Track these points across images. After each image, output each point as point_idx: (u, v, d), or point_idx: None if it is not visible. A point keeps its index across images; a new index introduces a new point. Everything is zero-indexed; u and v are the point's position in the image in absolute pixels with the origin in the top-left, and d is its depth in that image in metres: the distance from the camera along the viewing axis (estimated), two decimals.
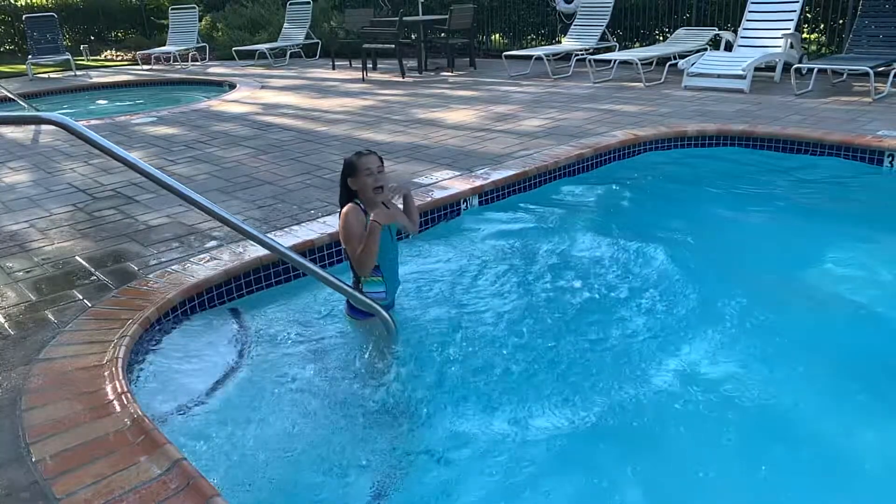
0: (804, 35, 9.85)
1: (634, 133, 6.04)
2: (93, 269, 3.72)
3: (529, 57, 10.52)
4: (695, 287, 3.63)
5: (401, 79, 10.86)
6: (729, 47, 8.97)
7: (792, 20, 8.35)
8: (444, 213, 4.58)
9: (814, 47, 9.93)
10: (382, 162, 3.06)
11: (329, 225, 4.08)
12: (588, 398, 2.79)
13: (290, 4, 14.39)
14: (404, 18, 11.11)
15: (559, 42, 12.03)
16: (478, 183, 4.84)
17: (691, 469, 2.43)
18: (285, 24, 14.43)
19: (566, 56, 10.77)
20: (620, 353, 3.09)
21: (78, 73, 13.60)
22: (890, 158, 5.19)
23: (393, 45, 11.21)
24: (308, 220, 4.27)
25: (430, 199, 4.53)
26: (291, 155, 6.08)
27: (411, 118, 7.56)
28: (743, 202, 4.94)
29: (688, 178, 5.57)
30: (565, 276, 3.81)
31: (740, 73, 7.82)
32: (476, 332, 3.27)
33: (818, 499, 2.30)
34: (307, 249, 3.86)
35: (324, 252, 3.95)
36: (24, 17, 14.32)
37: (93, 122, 8.41)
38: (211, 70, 13.33)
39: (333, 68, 12.41)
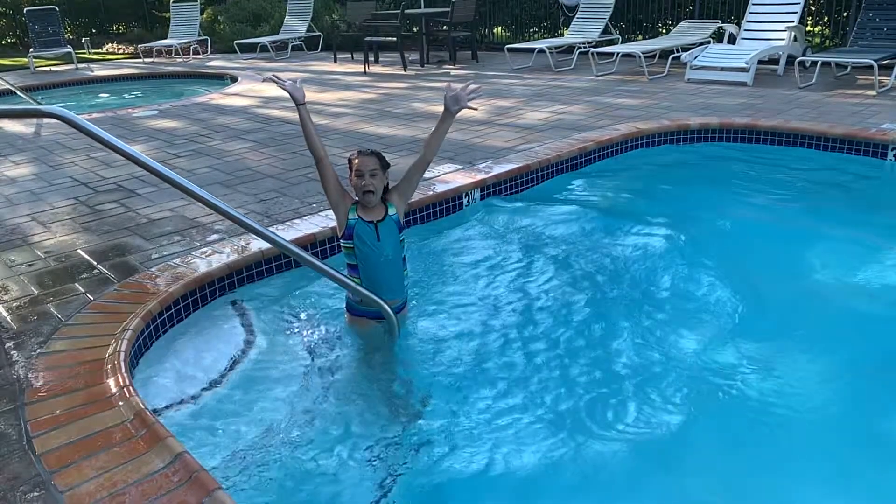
0: (808, 28, 9.80)
1: (637, 126, 6.02)
2: (95, 263, 3.72)
3: (532, 50, 10.48)
4: (696, 280, 3.63)
5: (403, 72, 10.83)
6: (732, 40, 8.93)
7: (796, 13, 8.31)
8: (445, 207, 4.57)
9: (818, 40, 9.89)
10: (383, 164, 2.91)
11: (331, 219, 4.08)
12: (591, 392, 2.79)
13: None
14: (406, 11, 11.07)
15: (562, 35, 12.00)
16: (480, 177, 4.82)
17: (701, 468, 2.43)
18: (287, 17, 14.39)
19: (569, 49, 10.73)
20: (621, 348, 3.08)
21: (79, 66, 13.58)
22: (894, 152, 5.17)
23: (395, 38, 11.17)
24: (310, 214, 4.27)
25: (431, 192, 4.52)
26: (293, 148, 6.07)
27: (413, 111, 7.55)
28: (746, 196, 4.93)
29: (691, 171, 5.55)
30: (568, 269, 3.80)
31: (744, 66, 7.79)
32: (478, 326, 3.27)
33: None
34: (309, 243, 3.86)
35: (325, 246, 3.95)
36: (25, 10, 14.29)
37: (94, 115, 8.41)
38: (212, 63, 13.30)
39: (335, 61, 12.38)
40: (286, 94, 3.02)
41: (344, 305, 3.25)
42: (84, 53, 15.53)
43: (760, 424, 2.58)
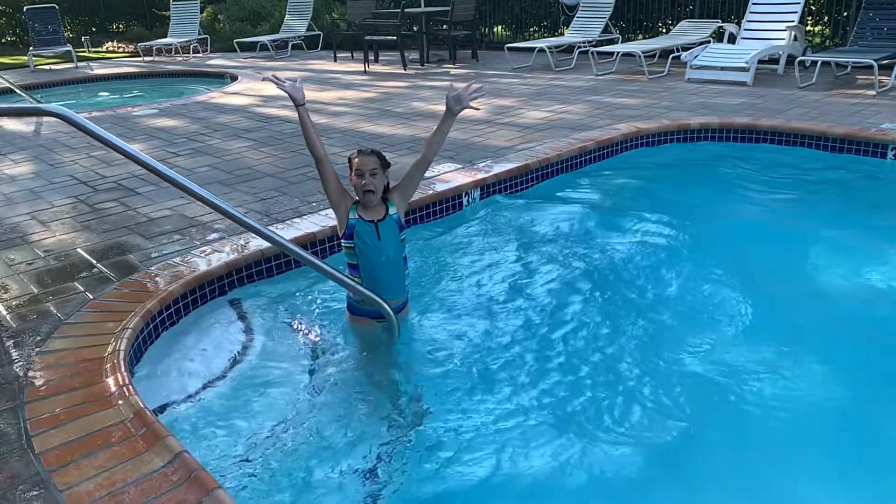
0: (808, 27, 9.80)
1: (637, 126, 6.02)
2: (94, 262, 3.72)
3: (532, 49, 10.48)
4: (697, 281, 3.63)
5: (402, 71, 10.83)
6: (732, 40, 8.93)
7: (796, 12, 8.30)
8: (445, 207, 4.57)
9: (818, 40, 9.89)
10: (383, 163, 2.90)
11: (331, 217, 4.07)
12: (596, 394, 2.79)
13: None
14: (406, 10, 11.07)
15: (562, 34, 12.00)
16: (480, 176, 4.82)
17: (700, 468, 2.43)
18: (287, 16, 14.38)
19: (569, 48, 10.73)
20: (623, 348, 3.08)
21: (79, 64, 13.57)
22: (893, 152, 5.17)
23: (395, 37, 11.16)
24: (310, 213, 4.27)
25: (431, 191, 4.52)
26: (293, 147, 6.07)
27: (413, 110, 7.54)
28: (746, 196, 4.93)
29: (691, 171, 5.55)
30: (569, 269, 3.80)
31: (744, 65, 7.79)
32: (480, 326, 3.26)
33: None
34: (309, 242, 3.86)
35: (325, 245, 3.95)
36: (25, 8, 14.27)
37: (94, 113, 8.40)
38: (212, 62, 13.29)
39: (335, 60, 12.37)
40: (286, 94, 3.01)
41: (344, 305, 3.25)
42: (84, 52, 15.53)
43: (767, 426, 2.56)
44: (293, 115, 3.01)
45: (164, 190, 4.87)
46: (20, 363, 2.72)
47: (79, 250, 3.90)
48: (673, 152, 5.87)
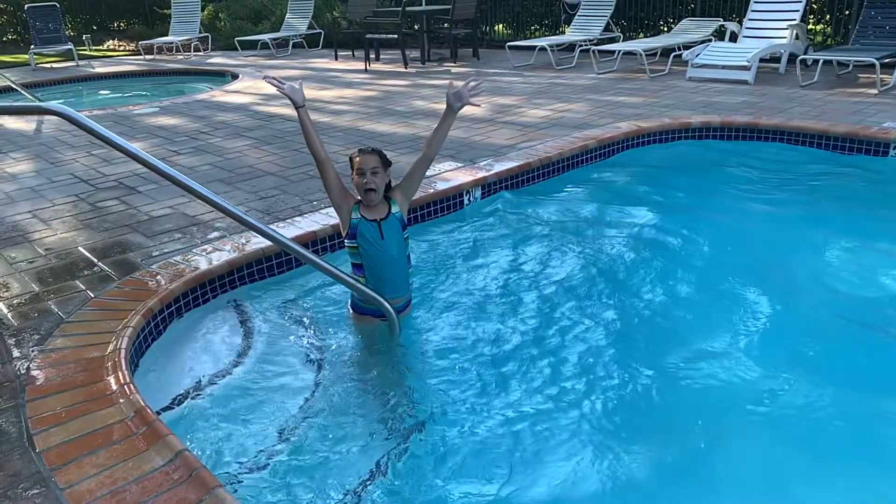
0: (810, 26, 9.79)
1: (638, 125, 6.01)
2: (95, 260, 3.72)
3: (533, 48, 10.47)
4: (699, 278, 3.63)
5: (403, 69, 10.82)
6: (734, 38, 8.92)
7: (798, 11, 8.29)
8: (446, 205, 4.57)
9: (819, 38, 9.87)
10: (384, 161, 2.91)
11: (332, 216, 4.07)
12: (591, 389, 2.78)
13: None
14: (407, 8, 11.05)
15: (563, 33, 11.98)
16: (481, 174, 4.82)
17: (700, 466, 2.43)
18: (288, 15, 14.37)
19: (570, 47, 10.73)
20: (620, 346, 3.08)
21: (80, 62, 13.56)
22: (895, 150, 5.16)
23: (396, 36, 11.15)
24: (311, 212, 4.26)
25: (432, 190, 4.52)
26: (294, 146, 6.07)
27: (414, 109, 7.54)
28: (747, 195, 4.92)
29: (692, 170, 5.54)
30: (569, 267, 3.80)
31: (745, 64, 7.78)
32: (481, 325, 3.26)
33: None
34: (310, 241, 3.86)
35: (326, 243, 3.95)
36: (26, 6, 14.26)
37: (95, 112, 8.39)
38: (213, 60, 13.29)
39: (336, 59, 12.37)
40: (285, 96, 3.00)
41: (346, 303, 3.25)
42: (85, 50, 15.52)
43: (778, 426, 2.55)
44: (294, 113, 3.01)
45: (165, 188, 4.87)
46: (21, 361, 2.72)
47: (80, 249, 3.90)
48: (674, 151, 5.86)
